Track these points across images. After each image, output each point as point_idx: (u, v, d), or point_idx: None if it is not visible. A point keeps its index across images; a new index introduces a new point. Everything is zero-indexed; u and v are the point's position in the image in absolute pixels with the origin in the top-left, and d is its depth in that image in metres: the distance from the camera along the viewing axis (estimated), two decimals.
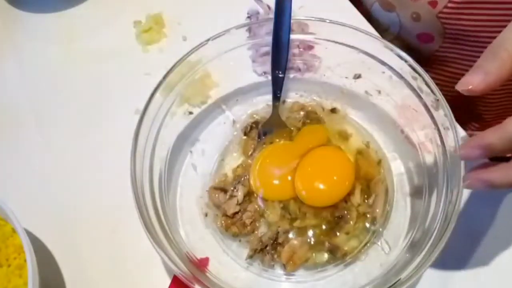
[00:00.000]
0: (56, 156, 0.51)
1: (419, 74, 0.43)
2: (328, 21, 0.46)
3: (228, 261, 0.44)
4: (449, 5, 0.53)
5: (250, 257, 0.44)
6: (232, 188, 0.46)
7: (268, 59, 0.49)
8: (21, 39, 0.60)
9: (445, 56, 0.57)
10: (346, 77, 0.50)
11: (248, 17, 0.57)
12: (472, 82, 0.34)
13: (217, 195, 0.46)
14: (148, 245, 0.41)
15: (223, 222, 0.45)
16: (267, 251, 0.44)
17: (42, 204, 0.49)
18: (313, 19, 0.47)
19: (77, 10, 0.61)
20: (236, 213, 0.45)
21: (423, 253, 0.37)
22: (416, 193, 0.45)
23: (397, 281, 0.37)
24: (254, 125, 0.50)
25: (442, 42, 0.58)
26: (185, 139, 0.49)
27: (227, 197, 0.46)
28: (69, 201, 0.49)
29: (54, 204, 0.49)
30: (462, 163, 0.38)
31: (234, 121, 0.51)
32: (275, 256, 0.43)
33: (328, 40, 0.47)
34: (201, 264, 0.42)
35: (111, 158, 0.49)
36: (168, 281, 0.44)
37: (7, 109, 0.55)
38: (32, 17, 0.61)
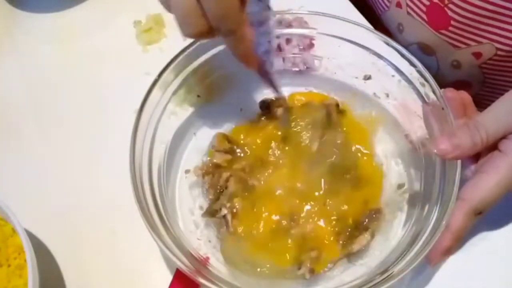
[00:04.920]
0: (56, 156, 0.51)
1: (427, 81, 0.43)
2: (341, 19, 0.47)
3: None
4: (494, 57, 0.52)
5: None
6: (238, 151, 0.47)
7: (268, 58, 0.49)
8: (21, 39, 0.60)
9: (481, 103, 0.56)
10: (356, 77, 0.50)
11: None
12: (442, 147, 0.38)
13: (223, 144, 0.47)
14: (148, 244, 0.41)
15: (203, 167, 0.46)
16: None
17: (42, 204, 0.49)
18: (326, 15, 0.48)
19: (77, 10, 0.61)
20: (219, 167, 0.46)
21: (415, 249, 0.38)
22: (415, 198, 0.45)
23: (389, 274, 0.37)
24: (275, 99, 0.50)
25: (480, 90, 0.58)
26: (184, 134, 0.49)
27: (226, 151, 0.47)
28: (69, 201, 0.48)
29: (54, 204, 0.48)
30: (458, 171, 0.39)
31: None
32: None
33: (341, 38, 0.48)
34: (202, 260, 0.42)
35: (111, 158, 0.49)
36: (168, 281, 0.44)
37: (7, 109, 0.55)
38: (32, 17, 0.61)
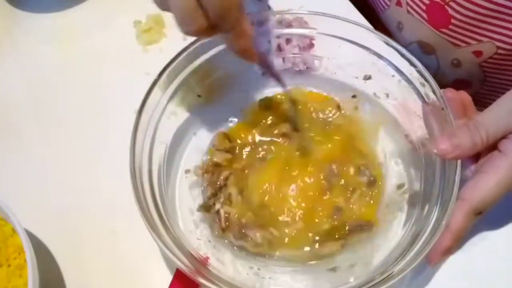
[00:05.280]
0: (56, 156, 0.51)
1: (427, 81, 0.43)
2: (341, 19, 0.47)
3: (228, 261, 0.44)
4: (495, 56, 0.52)
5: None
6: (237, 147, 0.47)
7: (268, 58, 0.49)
8: (21, 39, 0.60)
9: (481, 102, 0.57)
10: (356, 77, 0.50)
11: None
12: (442, 148, 0.39)
13: (223, 143, 0.47)
14: (148, 244, 0.41)
15: (203, 166, 0.47)
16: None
17: (42, 204, 0.49)
18: (326, 15, 0.48)
19: (77, 10, 0.61)
20: (219, 165, 0.46)
21: (415, 249, 0.38)
22: (415, 198, 0.45)
23: (389, 274, 0.37)
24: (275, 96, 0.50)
25: (480, 88, 0.58)
26: (184, 134, 0.49)
27: (227, 150, 0.47)
28: (69, 201, 0.49)
29: (54, 204, 0.48)
30: (458, 171, 0.39)
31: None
32: None
33: (341, 38, 0.48)
34: (202, 260, 0.42)
35: (111, 158, 0.49)
36: (168, 281, 0.44)
37: (7, 109, 0.55)
38: (32, 17, 0.61)
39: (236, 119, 0.50)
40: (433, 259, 0.39)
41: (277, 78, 0.47)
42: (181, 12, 0.37)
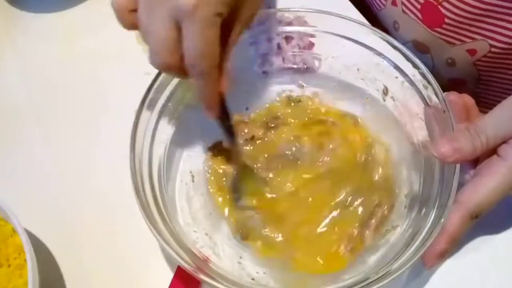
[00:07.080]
0: (56, 156, 0.51)
1: (430, 83, 0.43)
2: (348, 19, 0.47)
3: (228, 260, 0.44)
4: (489, 54, 0.52)
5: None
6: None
7: (268, 57, 0.49)
8: (21, 39, 0.60)
9: (476, 101, 0.57)
10: (359, 78, 0.49)
11: None
12: (443, 151, 0.38)
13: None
14: (148, 244, 0.41)
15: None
16: None
17: (42, 204, 0.49)
18: (328, 13, 0.48)
19: (77, 10, 0.61)
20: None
21: (411, 249, 0.38)
22: (413, 199, 0.45)
23: (385, 273, 0.37)
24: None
25: (475, 87, 0.58)
26: (184, 133, 0.49)
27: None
28: (69, 201, 0.49)
29: (54, 204, 0.48)
30: (457, 174, 0.39)
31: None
32: None
33: (343, 38, 0.48)
34: (203, 257, 0.42)
35: (111, 158, 0.49)
36: (168, 279, 0.44)
37: (7, 108, 0.55)
38: (32, 17, 0.61)
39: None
40: (429, 262, 0.39)
41: (232, 139, 0.45)
42: (158, 41, 0.37)
